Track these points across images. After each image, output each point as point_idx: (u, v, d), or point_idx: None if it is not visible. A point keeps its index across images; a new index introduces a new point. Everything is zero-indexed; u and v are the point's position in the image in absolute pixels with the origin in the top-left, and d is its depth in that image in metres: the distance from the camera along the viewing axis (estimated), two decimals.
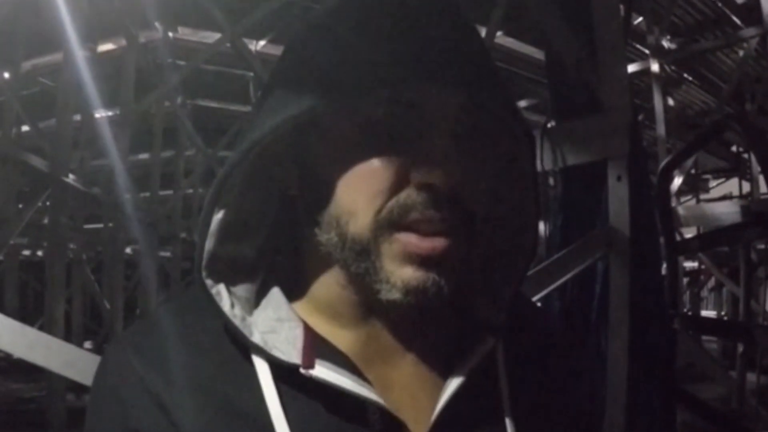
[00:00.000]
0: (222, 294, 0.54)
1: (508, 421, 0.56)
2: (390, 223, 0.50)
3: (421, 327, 0.58)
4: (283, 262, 0.59)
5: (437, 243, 0.50)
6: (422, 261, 0.50)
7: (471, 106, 0.51)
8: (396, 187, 0.50)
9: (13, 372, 7.38)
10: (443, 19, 0.52)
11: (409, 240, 0.49)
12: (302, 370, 0.51)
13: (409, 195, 0.50)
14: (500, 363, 0.59)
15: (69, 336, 6.13)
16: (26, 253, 11.08)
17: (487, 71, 0.52)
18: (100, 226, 7.83)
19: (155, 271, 6.43)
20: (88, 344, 8.14)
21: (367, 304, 0.55)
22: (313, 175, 0.54)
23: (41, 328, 1.65)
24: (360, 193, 0.50)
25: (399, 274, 0.50)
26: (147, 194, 7.71)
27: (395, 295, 0.50)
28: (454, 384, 0.54)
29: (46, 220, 6.20)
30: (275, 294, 0.56)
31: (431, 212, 0.49)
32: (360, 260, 0.51)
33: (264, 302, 0.56)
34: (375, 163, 0.50)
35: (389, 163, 0.50)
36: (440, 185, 0.49)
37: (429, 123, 0.50)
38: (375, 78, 0.48)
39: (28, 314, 9.49)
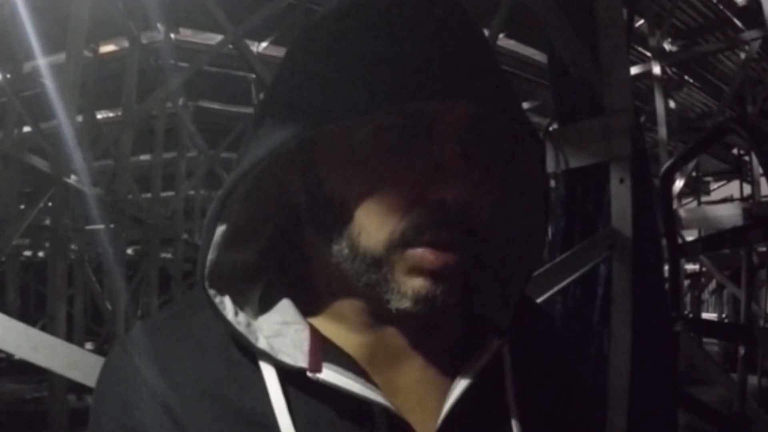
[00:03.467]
0: (225, 302, 0.53)
1: (514, 423, 0.56)
2: (404, 243, 0.49)
3: (427, 330, 0.58)
4: (287, 266, 0.59)
5: (449, 258, 0.49)
6: (433, 273, 0.50)
7: (483, 117, 0.51)
8: (407, 204, 0.49)
9: (15, 373, 7.38)
10: (452, 26, 0.51)
11: (423, 256, 0.49)
12: (309, 374, 0.51)
13: (421, 215, 0.49)
14: (506, 365, 0.59)
15: (70, 337, 6.13)
16: (28, 253, 11.08)
17: (498, 80, 0.51)
18: (102, 227, 7.85)
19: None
20: (89, 345, 8.14)
21: (375, 310, 0.55)
22: (322, 185, 0.53)
23: (43, 329, 1.65)
24: (372, 208, 0.50)
25: (410, 285, 0.50)
26: (148, 195, 7.72)
27: (405, 304, 0.50)
28: (460, 387, 0.54)
29: (47, 221, 6.20)
30: (280, 298, 0.56)
31: (444, 232, 0.49)
32: (371, 272, 0.51)
33: (269, 306, 0.55)
34: (386, 177, 0.50)
35: (401, 178, 0.49)
36: (451, 201, 0.48)
37: (440, 135, 0.50)
38: (384, 89, 0.46)
39: (29, 315, 9.49)
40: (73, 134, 3.70)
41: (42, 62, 4.52)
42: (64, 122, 3.62)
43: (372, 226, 0.50)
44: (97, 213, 4.69)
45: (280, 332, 0.53)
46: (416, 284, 0.50)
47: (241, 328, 0.52)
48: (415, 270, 0.50)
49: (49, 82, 4.20)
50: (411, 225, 0.49)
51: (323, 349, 0.53)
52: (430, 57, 0.48)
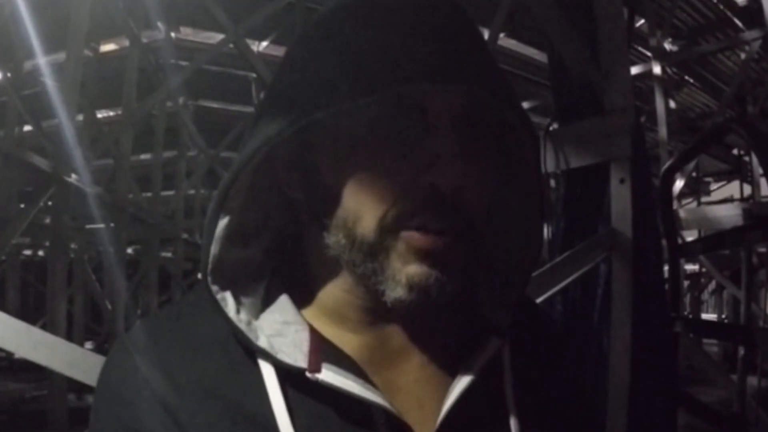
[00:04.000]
0: (227, 299, 0.53)
1: (513, 424, 0.56)
2: (396, 227, 0.50)
3: (426, 330, 0.58)
4: (289, 265, 0.59)
5: (441, 240, 0.50)
6: (426, 257, 0.50)
7: (476, 107, 0.51)
8: (401, 190, 0.50)
9: (15, 371, 7.39)
10: (445, 17, 0.52)
11: (413, 236, 0.50)
12: (308, 374, 0.51)
13: (414, 200, 0.50)
14: (506, 365, 0.59)
15: (70, 336, 6.13)
16: (28, 252, 11.09)
17: (491, 70, 0.52)
18: (102, 226, 7.86)
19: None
20: (89, 344, 8.14)
21: (373, 308, 0.55)
22: (317, 176, 0.53)
23: (43, 328, 1.65)
24: (366, 195, 0.50)
25: (404, 271, 0.50)
26: (149, 194, 7.72)
27: (399, 292, 0.50)
28: (459, 387, 0.54)
29: (47, 220, 6.20)
30: (281, 297, 0.56)
31: (435, 217, 0.49)
32: (368, 260, 0.51)
33: (270, 306, 0.56)
34: (380, 165, 0.50)
35: (394, 166, 0.50)
36: (445, 189, 0.49)
37: (434, 124, 0.50)
38: (379, 79, 0.47)
39: (29, 314, 9.49)
40: (74, 133, 3.69)
41: (42, 61, 4.52)
42: (65, 121, 3.62)
43: (366, 213, 0.50)
44: (97, 212, 4.68)
45: (281, 332, 0.54)
46: (410, 270, 0.50)
47: (242, 326, 0.53)
48: (409, 254, 0.50)
49: (48, 81, 4.19)
50: (402, 209, 0.50)
51: (323, 350, 0.53)
52: (420, 47, 0.48)
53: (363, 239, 0.51)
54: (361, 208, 0.51)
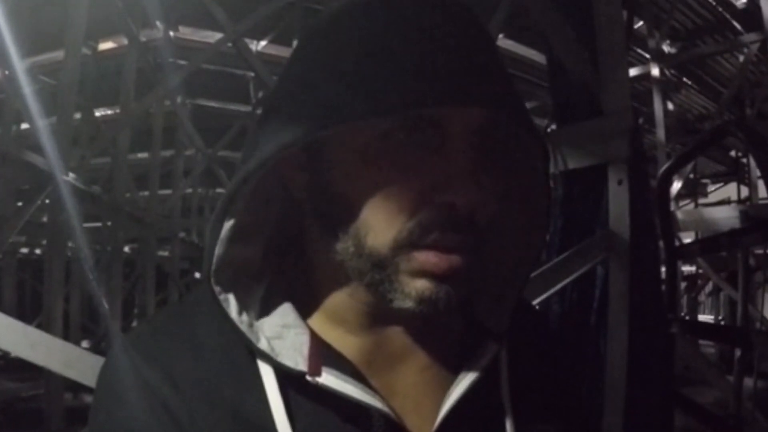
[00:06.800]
0: (230, 300, 0.53)
1: (509, 427, 0.56)
2: (410, 243, 0.49)
3: (426, 334, 0.58)
4: (289, 266, 0.59)
5: (454, 261, 0.50)
6: (437, 275, 0.50)
7: (491, 122, 0.51)
8: (416, 205, 0.49)
9: (11, 370, 7.36)
10: (460, 30, 0.51)
11: (428, 259, 0.49)
12: (308, 378, 0.51)
13: (429, 215, 0.49)
14: (503, 369, 0.59)
15: (67, 334, 6.12)
16: (24, 251, 11.07)
17: (506, 85, 0.51)
18: (99, 224, 7.84)
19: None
20: (85, 343, 8.13)
21: (374, 312, 0.55)
22: (329, 183, 0.52)
23: (39, 327, 1.65)
24: (379, 208, 0.50)
25: (414, 285, 0.50)
26: (146, 193, 7.71)
27: (408, 304, 0.50)
28: (457, 391, 0.55)
29: (45, 218, 6.18)
30: (281, 299, 0.56)
31: (451, 234, 0.49)
32: (376, 272, 0.51)
33: (270, 308, 0.55)
34: (395, 179, 0.50)
35: (409, 180, 0.49)
36: (460, 205, 0.49)
37: (450, 139, 0.50)
38: (398, 98, 0.46)
39: (25, 312, 9.47)
40: (72, 131, 3.67)
41: (49, 57, 4.48)
42: (67, 119, 3.61)
43: (379, 225, 0.50)
44: (94, 211, 4.65)
45: (281, 335, 0.54)
46: (419, 285, 0.50)
47: (243, 328, 0.52)
48: (419, 272, 0.50)
49: (47, 79, 4.18)
50: (418, 225, 0.49)
51: (322, 353, 0.53)
52: (440, 63, 0.48)
53: (373, 251, 0.50)
54: (373, 221, 0.50)
